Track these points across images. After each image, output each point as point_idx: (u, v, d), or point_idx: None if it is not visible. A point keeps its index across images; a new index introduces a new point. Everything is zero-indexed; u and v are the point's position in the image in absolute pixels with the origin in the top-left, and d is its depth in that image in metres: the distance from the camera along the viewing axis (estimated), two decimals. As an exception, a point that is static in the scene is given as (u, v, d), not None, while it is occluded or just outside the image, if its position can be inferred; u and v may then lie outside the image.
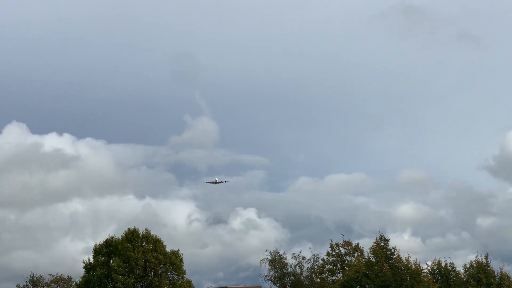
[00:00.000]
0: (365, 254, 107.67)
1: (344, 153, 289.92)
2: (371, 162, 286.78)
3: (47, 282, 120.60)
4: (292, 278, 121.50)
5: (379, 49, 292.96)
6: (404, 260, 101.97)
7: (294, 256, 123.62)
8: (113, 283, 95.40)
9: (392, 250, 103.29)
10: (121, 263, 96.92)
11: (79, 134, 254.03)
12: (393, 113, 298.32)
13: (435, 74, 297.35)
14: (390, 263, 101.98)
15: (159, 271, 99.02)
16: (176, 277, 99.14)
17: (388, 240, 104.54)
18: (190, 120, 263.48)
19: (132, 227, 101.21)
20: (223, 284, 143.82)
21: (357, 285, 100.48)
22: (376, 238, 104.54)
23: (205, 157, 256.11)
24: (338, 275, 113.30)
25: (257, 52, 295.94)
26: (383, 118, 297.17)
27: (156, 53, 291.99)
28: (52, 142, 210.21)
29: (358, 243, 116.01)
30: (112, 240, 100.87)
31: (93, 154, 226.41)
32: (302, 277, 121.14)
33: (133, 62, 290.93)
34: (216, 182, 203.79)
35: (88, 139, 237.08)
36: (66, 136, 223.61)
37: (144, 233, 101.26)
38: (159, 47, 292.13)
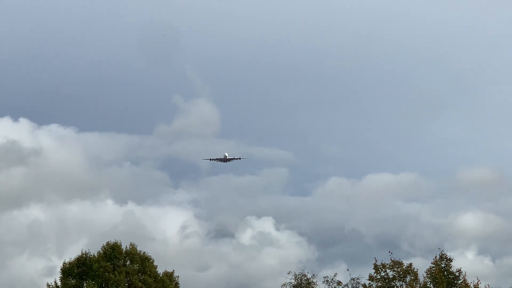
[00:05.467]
0: (420, 278, 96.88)
1: (390, 145, 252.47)
2: (425, 158, 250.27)
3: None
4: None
5: (435, 9, 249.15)
6: (472, 286, 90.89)
7: (327, 281, 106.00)
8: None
9: (457, 274, 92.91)
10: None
11: (40, 119, 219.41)
12: (455, 93, 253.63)
13: (508, 42, 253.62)
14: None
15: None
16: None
17: (451, 260, 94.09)
18: (182, 102, 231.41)
19: (112, 240, 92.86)
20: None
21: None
22: (435, 257, 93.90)
23: (205, 150, 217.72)
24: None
25: (270, 9, 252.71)
26: (441, 99, 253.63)
27: (133, 16, 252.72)
28: (4, 130, 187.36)
29: (411, 264, 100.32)
30: (86, 257, 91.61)
31: (58, 146, 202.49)
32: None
33: (106, 26, 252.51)
34: (225, 160, 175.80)
35: (53, 126, 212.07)
36: (23, 122, 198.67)
37: (128, 248, 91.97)
38: (137, 8, 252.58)
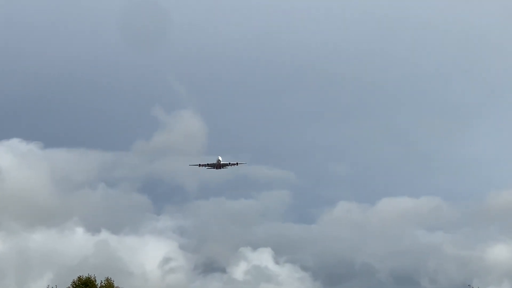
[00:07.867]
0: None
1: (408, 165, 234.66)
2: (450, 179, 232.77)
3: None
4: None
5: (458, 12, 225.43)
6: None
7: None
8: None
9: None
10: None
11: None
12: (484, 105, 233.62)
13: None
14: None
15: None
16: None
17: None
18: (164, 115, 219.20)
19: (84, 275, 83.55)
20: None
21: None
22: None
23: (191, 169, 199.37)
24: None
25: (269, 7, 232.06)
26: (468, 112, 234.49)
27: (106, 7, 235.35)
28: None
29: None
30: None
31: (20, 165, 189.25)
32: None
33: (77, 23, 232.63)
34: (219, 165, 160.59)
35: (13, 142, 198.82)
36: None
37: (103, 283, 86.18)
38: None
